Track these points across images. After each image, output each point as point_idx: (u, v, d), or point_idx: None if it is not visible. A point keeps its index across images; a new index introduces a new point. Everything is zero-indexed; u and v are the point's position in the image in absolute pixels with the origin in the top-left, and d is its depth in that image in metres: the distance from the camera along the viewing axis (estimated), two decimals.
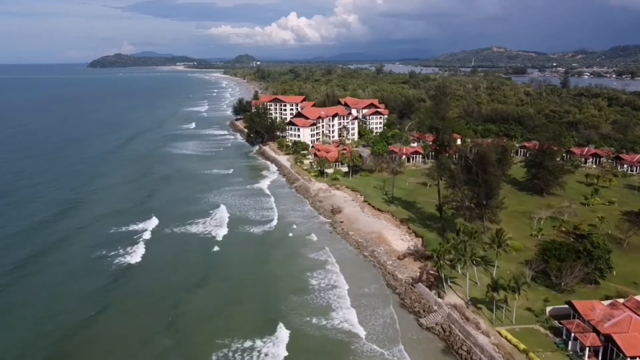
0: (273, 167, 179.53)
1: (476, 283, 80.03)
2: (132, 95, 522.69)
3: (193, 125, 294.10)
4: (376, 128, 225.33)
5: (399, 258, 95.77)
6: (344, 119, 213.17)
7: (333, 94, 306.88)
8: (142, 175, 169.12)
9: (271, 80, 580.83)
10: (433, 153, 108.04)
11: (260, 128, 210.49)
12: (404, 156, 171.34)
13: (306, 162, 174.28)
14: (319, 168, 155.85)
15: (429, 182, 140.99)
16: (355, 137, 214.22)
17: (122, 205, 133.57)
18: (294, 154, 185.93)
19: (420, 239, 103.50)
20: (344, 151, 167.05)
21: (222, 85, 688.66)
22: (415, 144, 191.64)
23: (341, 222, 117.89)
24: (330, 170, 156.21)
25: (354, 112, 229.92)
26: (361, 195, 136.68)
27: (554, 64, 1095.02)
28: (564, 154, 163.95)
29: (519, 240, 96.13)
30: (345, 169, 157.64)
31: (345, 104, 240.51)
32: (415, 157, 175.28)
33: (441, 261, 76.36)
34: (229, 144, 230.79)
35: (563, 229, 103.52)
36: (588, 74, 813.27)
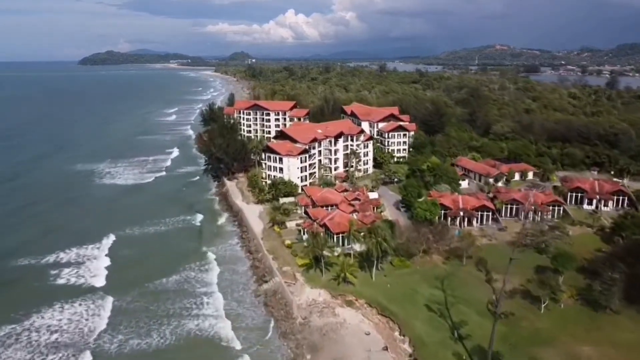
0: (235, 233, 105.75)
1: None
2: (84, 97, 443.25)
3: (142, 137, 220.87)
4: (399, 150, 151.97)
5: None
6: (353, 140, 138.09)
7: (333, 96, 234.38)
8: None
9: (263, 78, 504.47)
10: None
11: (221, 154, 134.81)
12: (460, 214, 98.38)
13: (291, 224, 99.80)
14: (314, 253, 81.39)
15: (543, 295, 67.76)
16: (370, 167, 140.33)
17: None
18: (272, 202, 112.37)
19: None
20: (362, 212, 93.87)
21: (206, 83, 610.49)
22: (466, 182, 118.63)
23: None
24: (334, 252, 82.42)
25: (364, 126, 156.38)
26: (401, 328, 63.32)
27: (562, 62, 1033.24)
28: None
29: None
30: (359, 246, 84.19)
31: (352, 114, 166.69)
32: (481, 215, 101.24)
33: None
34: (182, 173, 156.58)
35: None
36: (607, 72, 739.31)
